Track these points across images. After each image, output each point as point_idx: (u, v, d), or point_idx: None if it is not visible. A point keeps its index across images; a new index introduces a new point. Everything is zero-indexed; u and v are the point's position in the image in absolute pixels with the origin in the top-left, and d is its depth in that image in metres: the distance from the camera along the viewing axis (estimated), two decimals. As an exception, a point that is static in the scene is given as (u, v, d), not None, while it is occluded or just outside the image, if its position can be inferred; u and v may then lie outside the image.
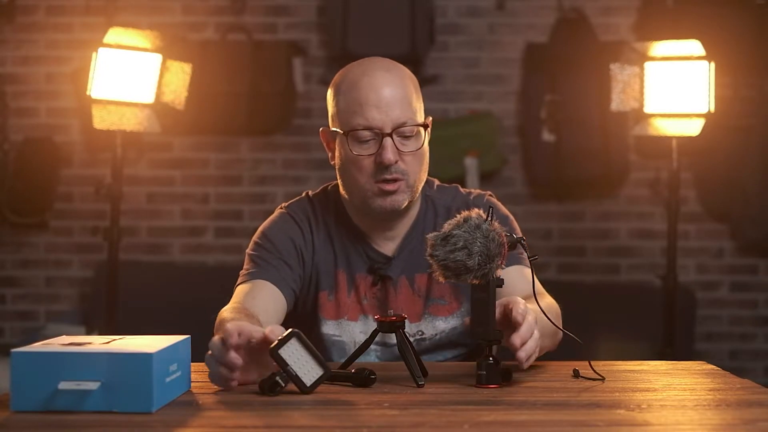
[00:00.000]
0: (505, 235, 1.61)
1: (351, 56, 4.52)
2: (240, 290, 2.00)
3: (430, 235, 1.62)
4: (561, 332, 1.88)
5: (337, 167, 2.04)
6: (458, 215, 1.62)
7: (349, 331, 2.02)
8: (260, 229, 2.11)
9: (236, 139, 4.63)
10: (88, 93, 3.28)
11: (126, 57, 3.30)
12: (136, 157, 4.56)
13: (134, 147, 4.46)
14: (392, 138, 1.94)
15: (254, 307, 1.92)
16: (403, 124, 1.94)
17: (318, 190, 2.14)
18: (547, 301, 1.92)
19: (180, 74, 3.39)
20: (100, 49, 3.28)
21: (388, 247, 2.06)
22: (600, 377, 1.73)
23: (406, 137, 1.95)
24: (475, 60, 4.65)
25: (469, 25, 4.65)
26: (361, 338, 1.93)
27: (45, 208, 4.58)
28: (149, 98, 3.34)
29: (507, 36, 4.63)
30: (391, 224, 2.05)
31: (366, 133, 1.94)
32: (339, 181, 2.06)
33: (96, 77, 3.26)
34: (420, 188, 2.02)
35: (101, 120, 3.29)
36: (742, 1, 4.43)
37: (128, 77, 3.30)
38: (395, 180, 1.95)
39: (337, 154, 2.03)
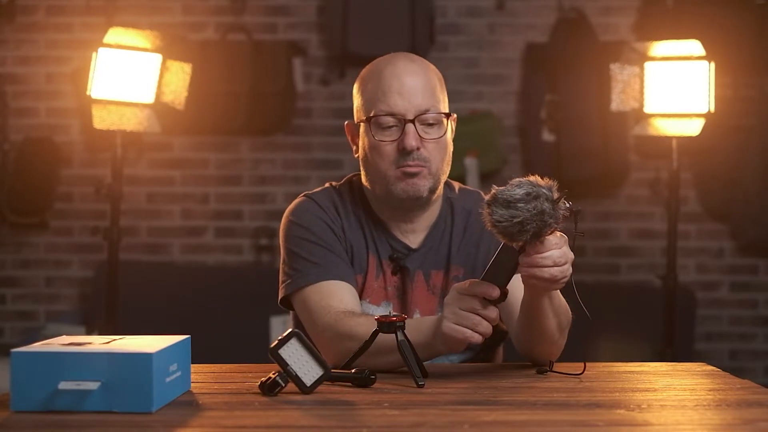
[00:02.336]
0: (561, 220, 1.61)
1: (351, 56, 4.57)
2: (317, 296, 1.95)
3: (497, 187, 1.61)
4: (564, 335, 1.89)
5: (360, 158, 2.04)
6: (533, 177, 1.61)
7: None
8: (289, 219, 2.06)
9: (236, 139, 4.63)
10: (88, 93, 3.27)
11: (126, 57, 3.30)
12: (136, 157, 4.56)
13: (134, 147, 4.45)
14: (414, 125, 1.95)
15: (354, 307, 1.93)
16: (425, 111, 1.96)
17: (342, 181, 2.13)
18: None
19: (180, 74, 3.38)
20: (100, 49, 3.28)
21: (409, 239, 2.06)
22: (576, 374, 1.76)
23: (428, 125, 1.97)
24: (475, 60, 4.65)
25: (469, 25, 4.65)
26: None
27: (45, 208, 4.58)
28: (149, 98, 3.34)
29: (507, 36, 4.63)
30: (411, 216, 2.04)
31: (388, 119, 1.96)
32: (362, 172, 2.06)
33: (96, 77, 3.26)
34: (443, 180, 2.02)
35: (101, 120, 3.29)
36: (742, 1, 4.43)
37: (128, 77, 3.30)
38: (417, 166, 1.95)
39: (360, 144, 2.03)
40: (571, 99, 4.42)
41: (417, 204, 2.01)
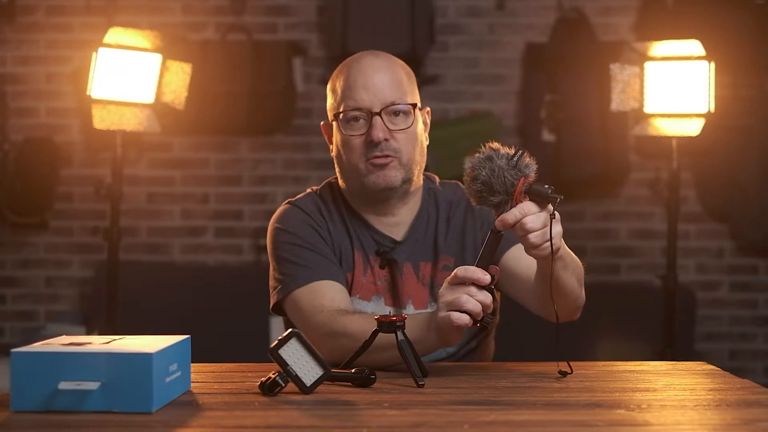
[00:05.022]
0: (524, 184, 1.66)
1: (351, 56, 4.55)
2: (308, 296, 1.97)
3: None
4: (582, 285, 1.94)
5: (334, 155, 2.09)
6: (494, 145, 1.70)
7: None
8: (275, 226, 2.09)
9: (236, 139, 4.63)
10: (88, 93, 3.27)
11: (126, 57, 3.30)
12: (136, 157, 4.56)
13: (134, 147, 4.45)
14: (381, 117, 1.99)
15: (346, 305, 1.96)
16: (392, 104, 2.00)
17: (321, 185, 2.18)
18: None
19: (180, 74, 3.38)
20: (100, 49, 3.28)
21: (393, 232, 2.08)
22: (568, 371, 1.77)
23: (396, 115, 2.00)
24: (475, 60, 4.65)
25: (469, 25, 4.65)
26: None
27: (45, 208, 4.58)
28: (149, 98, 3.34)
29: (507, 36, 4.63)
30: (391, 209, 2.07)
31: (355, 113, 2.00)
32: (336, 170, 2.10)
33: (96, 77, 3.26)
34: (416, 170, 2.05)
35: (101, 120, 3.29)
36: (742, 1, 4.43)
37: (128, 77, 3.30)
38: (386, 156, 1.99)
39: (333, 141, 2.08)
40: (571, 99, 4.42)
41: (392, 194, 2.04)
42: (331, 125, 2.08)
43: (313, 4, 4.63)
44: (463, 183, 1.72)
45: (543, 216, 1.67)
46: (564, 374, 1.78)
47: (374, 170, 1.99)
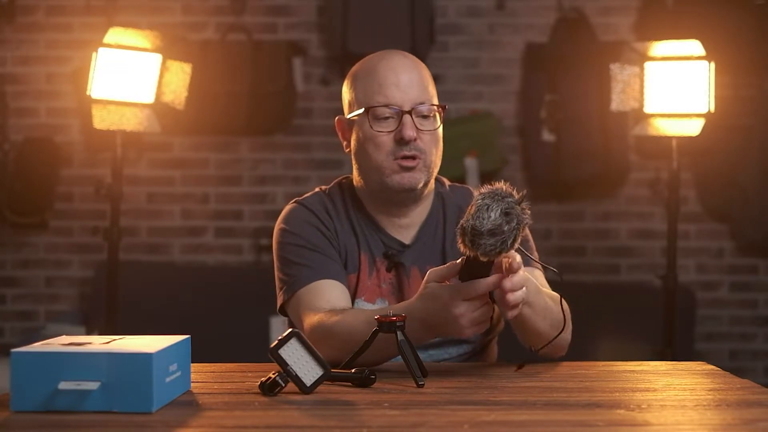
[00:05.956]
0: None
1: (351, 56, 4.56)
2: (307, 298, 1.97)
3: (472, 220, 1.55)
4: (564, 326, 1.90)
5: (353, 152, 2.06)
6: (486, 189, 1.57)
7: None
8: (280, 227, 2.08)
9: (236, 139, 4.63)
10: (88, 93, 3.28)
11: (126, 57, 3.30)
12: (136, 157, 4.56)
13: (134, 147, 4.46)
14: (411, 116, 1.98)
15: (343, 304, 1.96)
16: (421, 103, 2.00)
17: (331, 185, 2.16)
18: (551, 294, 1.95)
19: (180, 74, 3.39)
20: (100, 49, 3.28)
21: (402, 235, 2.07)
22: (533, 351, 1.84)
23: (424, 116, 2.01)
24: (475, 60, 4.65)
25: (469, 25, 4.65)
26: None
27: (45, 208, 4.58)
28: (149, 98, 3.34)
29: (507, 36, 4.63)
30: (404, 210, 2.06)
31: (386, 110, 1.99)
32: (354, 166, 2.08)
33: (96, 77, 3.26)
34: (435, 173, 2.05)
35: (101, 120, 3.29)
36: (742, 1, 4.43)
37: (128, 77, 3.30)
38: (414, 157, 1.98)
39: (353, 138, 2.05)
40: (571, 99, 4.42)
41: (411, 196, 2.04)
42: (350, 121, 2.06)
43: (313, 4, 4.63)
44: (487, 250, 1.55)
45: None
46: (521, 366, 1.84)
47: (400, 171, 1.99)
